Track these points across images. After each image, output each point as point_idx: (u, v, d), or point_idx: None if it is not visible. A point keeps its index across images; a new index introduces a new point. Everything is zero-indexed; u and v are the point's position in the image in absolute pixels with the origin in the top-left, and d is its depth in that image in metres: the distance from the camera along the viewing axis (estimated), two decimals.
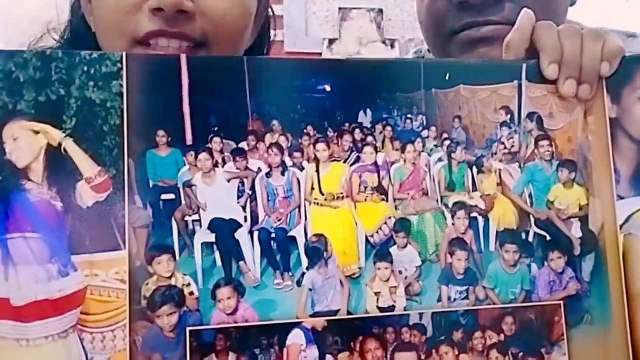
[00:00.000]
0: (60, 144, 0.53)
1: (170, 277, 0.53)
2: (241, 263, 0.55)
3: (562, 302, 0.62)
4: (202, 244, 0.54)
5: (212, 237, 0.55)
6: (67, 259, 0.52)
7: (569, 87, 0.65)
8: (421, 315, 0.59)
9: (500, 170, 0.63)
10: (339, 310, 0.57)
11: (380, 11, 2.94)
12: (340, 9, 2.82)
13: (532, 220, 0.63)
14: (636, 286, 0.63)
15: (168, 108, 0.55)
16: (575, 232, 0.64)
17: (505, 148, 0.63)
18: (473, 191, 0.62)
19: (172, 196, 0.54)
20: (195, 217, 0.55)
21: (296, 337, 0.55)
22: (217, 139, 0.56)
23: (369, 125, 0.60)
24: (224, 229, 0.55)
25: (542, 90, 0.65)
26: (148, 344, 0.52)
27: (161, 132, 0.55)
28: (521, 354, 0.61)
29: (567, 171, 0.65)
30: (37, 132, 0.52)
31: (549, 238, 0.64)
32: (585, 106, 0.66)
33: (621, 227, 0.64)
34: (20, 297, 0.50)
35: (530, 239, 0.63)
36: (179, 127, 0.55)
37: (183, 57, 0.56)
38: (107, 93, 0.54)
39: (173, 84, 0.56)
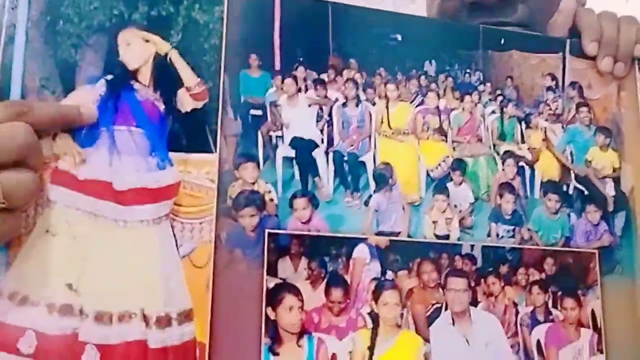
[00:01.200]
0: (166, 54, 0.59)
1: (253, 183, 0.59)
2: (316, 178, 0.61)
3: (596, 251, 0.68)
4: (283, 157, 0.60)
5: (292, 153, 0.60)
6: (165, 154, 0.57)
7: (607, 63, 0.73)
8: (472, 246, 0.64)
9: (545, 127, 0.70)
10: (400, 232, 0.62)
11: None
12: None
13: (572, 175, 0.70)
14: None
15: (261, 36, 0.62)
16: (609, 190, 0.71)
17: (550, 109, 0.71)
18: (521, 143, 0.69)
19: (259, 112, 0.60)
20: (279, 133, 0.61)
21: (362, 251, 0.60)
22: (301, 68, 0.62)
23: (433, 74, 0.67)
24: (303, 146, 0.61)
25: (582, 63, 0.73)
26: (231, 239, 0.57)
27: (254, 56, 0.61)
28: (559, 292, 0.66)
29: (603, 136, 0.72)
30: (147, 41, 0.58)
31: (586, 192, 0.70)
32: (619, 82, 0.74)
33: None
34: (122, 183, 0.55)
35: (570, 191, 0.69)
36: (270, 54, 0.62)
37: None
38: (209, 16, 0.61)
39: (267, 15, 0.63)
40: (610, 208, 0.71)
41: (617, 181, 0.72)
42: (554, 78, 0.73)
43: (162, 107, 0.58)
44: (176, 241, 0.56)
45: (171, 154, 0.58)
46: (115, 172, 0.56)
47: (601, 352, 0.66)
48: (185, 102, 0.59)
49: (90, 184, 0.55)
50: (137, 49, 0.59)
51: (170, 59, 0.59)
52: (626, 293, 0.69)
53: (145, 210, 0.56)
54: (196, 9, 0.61)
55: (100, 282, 0.53)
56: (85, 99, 0.56)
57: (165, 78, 0.59)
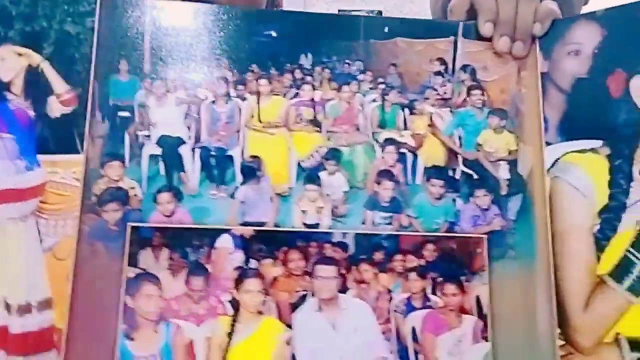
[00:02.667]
0: (38, 65, 0.64)
1: (118, 180, 0.63)
2: (182, 174, 0.64)
3: (485, 236, 0.67)
4: (150, 155, 0.64)
5: (158, 150, 0.64)
6: (34, 157, 0.62)
7: (503, 43, 0.71)
8: (345, 234, 0.65)
9: (431, 113, 0.70)
10: (266, 222, 0.64)
11: (380, 13, 3.03)
12: (339, 10, 2.92)
13: (460, 159, 0.69)
14: (559, 224, 0.68)
15: (132, 42, 0.66)
16: (502, 173, 0.69)
17: (438, 94, 0.70)
18: (404, 130, 0.69)
19: (127, 114, 0.65)
20: (146, 132, 0.65)
21: (225, 241, 0.63)
22: (171, 71, 0.66)
23: (309, 67, 0.69)
24: (169, 143, 0.64)
25: (478, 46, 0.73)
26: (94, 233, 0.62)
27: (124, 61, 0.66)
28: (440, 278, 0.66)
29: (497, 118, 0.70)
30: (20, 55, 0.64)
31: (475, 177, 0.69)
32: (520, 62, 0.72)
33: (548, 170, 0.69)
34: None
35: (457, 176, 0.69)
36: (140, 59, 0.66)
37: (147, 1, 0.67)
38: (81, 27, 0.66)
39: (137, 22, 0.66)
40: (504, 192, 0.70)
41: (512, 164, 0.70)
42: (443, 63, 0.72)
43: (32, 113, 0.64)
44: (40, 236, 0.61)
45: (40, 157, 0.63)
46: None
47: (486, 340, 0.65)
48: (55, 108, 0.64)
49: None
50: (10, 63, 0.65)
51: (41, 70, 0.65)
52: (519, 278, 0.67)
53: (12, 208, 0.61)
54: (68, 22, 0.67)
55: None
56: None
57: (36, 87, 0.65)
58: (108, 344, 0.61)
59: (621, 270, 0.66)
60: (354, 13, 2.89)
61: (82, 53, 0.67)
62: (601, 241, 0.67)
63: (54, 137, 0.64)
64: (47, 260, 0.62)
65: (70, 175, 0.64)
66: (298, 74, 0.70)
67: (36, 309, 0.60)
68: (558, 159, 0.70)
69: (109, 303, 0.61)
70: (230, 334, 0.62)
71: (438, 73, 0.72)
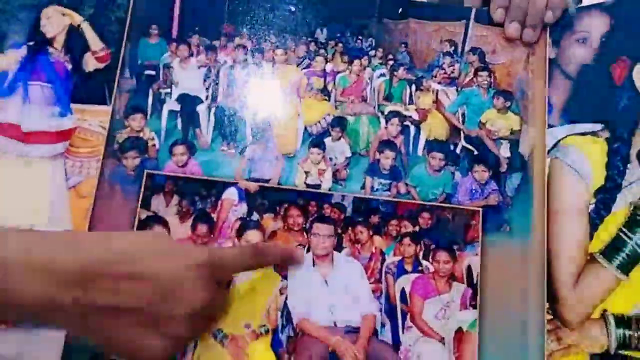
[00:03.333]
0: (79, 25, 0.71)
1: (140, 131, 0.69)
2: (197, 129, 0.70)
3: (480, 209, 0.69)
4: (169, 110, 0.70)
5: (177, 107, 0.70)
6: (67, 105, 0.69)
7: (513, 29, 0.74)
8: (343, 196, 0.69)
9: (437, 90, 0.73)
10: (270, 179, 0.69)
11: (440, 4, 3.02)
12: None
13: (462, 135, 0.72)
14: (556, 203, 0.70)
15: (163, 9, 0.73)
16: (503, 151, 0.72)
17: (445, 73, 0.74)
18: (409, 104, 0.72)
19: (153, 72, 0.71)
20: (168, 90, 0.71)
21: (231, 194, 0.68)
22: (195, 36, 0.72)
23: (323, 41, 0.73)
24: (187, 101, 0.70)
25: (488, 30, 0.76)
26: (113, 176, 0.68)
27: (154, 26, 0.73)
28: (433, 245, 0.69)
29: (502, 99, 0.73)
30: (64, 14, 0.72)
31: (476, 152, 0.72)
32: (529, 48, 0.75)
33: (548, 151, 0.71)
34: (28, 125, 0.68)
35: (458, 150, 0.72)
36: (169, 24, 0.72)
37: None
38: None
39: None
40: (503, 169, 0.72)
41: (514, 143, 0.73)
42: (452, 44, 0.76)
43: (69, 67, 0.71)
44: (66, 175, 0.68)
45: (73, 105, 0.70)
46: (24, 117, 0.69)
47: (474, 307, 0.67)
48: (90, 63, 0.72)
49: (2, 126, 0.68)
50: (55, 21, 0.73)
51: (81, 29, 0.72)
52: (512, 252, 0.69)
53: (44, 148, 0.68)
54: None
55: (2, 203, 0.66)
56: (10, 59, 0.71)
57: (75, 44, 0.72)
58: None
59: (612, 249, 0.67)
60: None
61: (117, 16, 0.74)
62: (595, 220, 0.69)
63: (87, 88, 0.71)
64: (71, 196, 0.68)
65: (98, 123, 0.70)
66: (312, 46, 0.75)
67: None
68: (559, 141, 0.72)
69: None
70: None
71: (447, 53, 0.76)
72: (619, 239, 0.66)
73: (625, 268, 0.66)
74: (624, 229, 0.67)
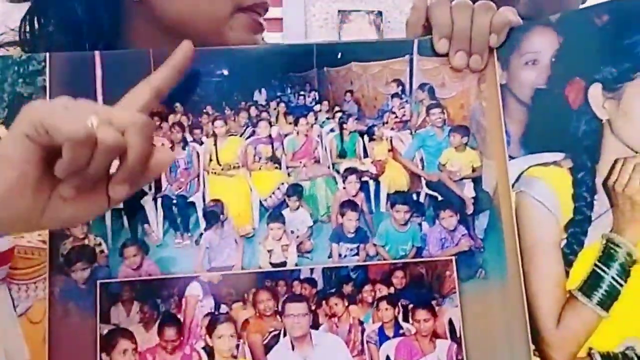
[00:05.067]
0: None
1: (84, 238, 0.64)
2: (146, 225, 0.65)
3: (453, 258, 0.67)
4: (112, 210, 0.65)
5: (120, 204, 0.65)
6: None
7: (459, 59, 0.71)
8: (312, 270, 0.66)
9: (391, 137, 0.70)
10: (233, 266, 0.65)
11: (380, 13, 3.00)
12: (339, 11, 2.90)
13: (423, 182, 0.70)
14: (527, 240, 0.69)
15: (84, 96, 0.66)
16: (467, 192, 0.70)
17: (397, 117, 0.71)
18: (364, 157, 0.70)
19: None
20: None
21: (194, 289, 0.65)
22: None
23: (264, 103, 0.69)
24: (130, 196, 0.65)
25: (434, 62, 0.73)
26: (64, 294, 0.64)
27: None
28: (411, 305, 0.67)
29: (459, 136, 0.71)
30: None
31: (440, 198, 0.70)
32: (479, 75, 0.71)
33: (513, 185, 0.69)
34: None
35: (422, 199, 0.70)
36: None
37: (97, 54, 0.69)
38: (33, 87, 0.67)
39: (88, 77, 0.67)
40: (470, 210, 0.70)
41: (477, 181, 0.71)
42: (400, 84, 0.72)
43: None
44: (13, 302, 0.63)
45: None
46: None
47: None
48: None
49: None
50: None
51: None
52: (492, 297, 0.69)
53: None
54: (20, 83, 0.67)
55: None
56: None
57: None
58: None
59: (590, 285, 0.67)
60: (353, 14, 2.86)
61: None
62: (569, 256, 0.68)
63: None
64: (23, 324, 0.64)
65: (36, 238, 0.65)
66: (253, 111, 0.70)
67: None
68: (522, 173, 0.71)
69: None
70: None
71: (395, 95, 0.73)
72: (595, 274, 0.66)
73: (605, 304, 0.66)
74: (599, 264, 0.66)
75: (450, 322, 0.68)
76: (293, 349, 0.66)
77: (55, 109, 0.54)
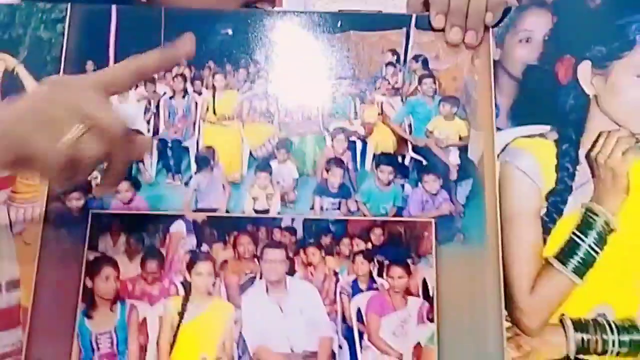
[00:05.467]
0: (14, 68, 0.71)
1: None
2: (140, 164, 0.69)
3: (433, 220, 0.69)
4: None
5: None
6: None
7: (455, 34, 0.74)
8: (293, 219, 0.68)
9: (382, 102, 0.72)
10: (218, 209, 0.68)
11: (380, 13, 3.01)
12: (339, 10, 2.92)
13: (410, 146, 0.71)
14: (508, 208, 0.70)
15: (98, 46, 0.73)
16: (453, 159, 0.72)
17: (389, 84, 0.73)
18: (354, 119, 0.72)
19: None
20: None
21: (178, 226, 0.68)
22: None
23: (263, 62, 0.72)
24: None
25: (430, 36, 0.75)
26: (58, 220, 0.68)
27: (90, 62, 0.72)
28: (387, 261, 0.68)
29: (449, 105, 0.73)
30: None
31: (424, 162, 0.72)
32: (474, 50, 0.74)
33: (498, 155, 0.70)
34: None
35: (407, 162, 0.72)
36: (105, 60, 0.72)
37: (114, 8, 0.74)
38: (52, 32, 0.73)
39: (104, 25, 0.73)
40: (453, 177, 0.72)
41: (463, 149, 0.72)
42: (395, 53, 0.75)
43: None
44: (10, 222, 0.68)
45: None
46: None
47: (431, 321, 0.67)
48: None
49: None
50: None
51: (16, 73, 0.72)
52: (467, 262, 0.69)
53: None
54: (41, 29, 0.73)
55: None
56: None
57: (12, 88, 0.72)
58: (69, 321, 0.66)
59: (567, 252, 0.67)
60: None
61: (53, 56, 0.74)
62: (548, 224, 0.68)
63: None
64: (17, 244, 0.68)
65: None
66: (252, 68, 0.74)
67: (5, 289, 0.67)
68: (508, 144, 0.72)
69: (70, 284, 0.67)
70: (181, 314, 0.67)
71: (390, 63, 0.75)
72: (573, 242, 0.66)
73: (580, 271, 0.65)
74: (576, 232, 0.66)
75: (424, 282, 0.69)
76: (267, 292, 0.68)
77: (31, 136, 0.53)
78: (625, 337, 0.63)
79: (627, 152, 0.65)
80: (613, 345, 0.63)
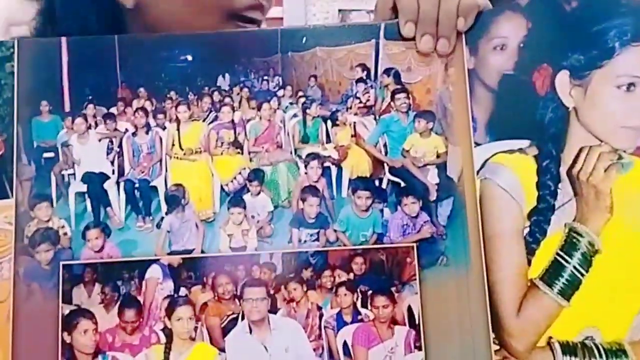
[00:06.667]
0: None
1: (48, 221, 0.66)
2: (108, 209, 0.66)
3: (414, 244, 0.67)
4: (76, 193, 0.67)
5: (84, 188, 0.67)
6: None
7: (426, 42, 0.70)
8: (272, 254, 0.66)
9: (354, 122, 0.69)
10: (193, 250, 0.66)
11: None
12: (339, 10, 2.86)
13: (386, 167, 0.69)
14: (490, 228, 0.68)
15: (51, 82, 0.69)
16: (431, 178, 0.69)
17: (361, 102, 0.70)
18: (327, 143, 0.69)
19: (52, 154, 0.68)
20: (71, 171, 0.67)
21: (154, 272, 0.66)
22: (90, 106, 0.68)
23: (227, 88, 0.69)
24: (94, 180, 0.67)
25: (400, 47, 0.72)
26: (28, 274, 0.66)
27: (44, 102, 0.68)
28: (370, 291, 0.67)
29: (424, 121, 0.70)
30: None
31: (403, 184, 0.69)
32: (446, 59, 0.70)
33: (478, 172, 0.68)
34: None
35: (384, 185, 0.69)
36: (59, 98, 0.68)
37: (63, 40, 0.69)
38: (2, 72, 0.68)
39: (55, 61, 0.68)
40: (433, 197, 0.70)
41: (441, 167, 0.70)
42: (365, 68, 0.72)
43: None
44: None
45: None
46: None
47: (419, 349, 0.66)
48: None
49: None
50: None
51: None
52: (452, 285, 0.68)
53: None
54: None
55: None
56: None
57: None
58: None
59: (552, 274, 0.66)
60: (354, 13, 2.81)
61: (4, 98, 0.69)
62: (531, 244, 0.67)
63: None
64: None
65: (3, 219, 0.67)
66: (216, 96, 0.71)
67: None
68: (487, 159, 0.69)
69: (48, 340, 0.66)
70: None
71: (360, 80, 0.72)
72: (557, 263, 0.65)
73: (567, 293, 0.65)
74: (561, 253, 0.65)
75: (410, 309, 0.68)
76: (251, 332, 0.67)
77: None
78: None
79: (610, 169, 0.63)
80: None
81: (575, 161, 0.65)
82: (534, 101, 0.68)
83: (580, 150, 0.65)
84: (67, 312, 0.67)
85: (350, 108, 0.72)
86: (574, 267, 0.64)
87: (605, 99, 0.64)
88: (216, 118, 0.71)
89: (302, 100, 0.72)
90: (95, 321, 0.67)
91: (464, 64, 0.72)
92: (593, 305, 0.64)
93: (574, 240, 0.65)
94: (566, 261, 0.65)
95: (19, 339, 0.66)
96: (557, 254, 0.65)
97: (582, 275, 0.64)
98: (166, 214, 0.69)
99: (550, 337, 0.66)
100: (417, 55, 0.73)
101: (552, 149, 0.66)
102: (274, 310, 0.68)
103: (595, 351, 0.63)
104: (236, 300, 0.68)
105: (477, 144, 0.70)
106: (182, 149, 0.71)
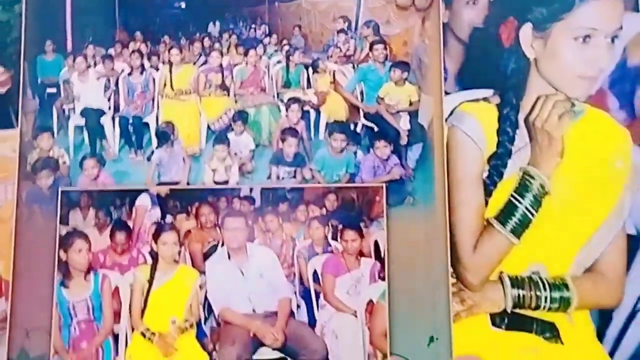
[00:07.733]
0: None
1: (49, 150, 0.72)
2: (104, 141, 0.72)
3: (384, 185, 0.72)
4: (75, 126, 0.73)
5: (82, 121, 0.72)
6: None
7: None
8: (251, 189, 0.72)
9: (334, 70, 0.74)
10: (180, 182, 0.72)
11: None
12: None
13: (362, 113, 0.73)
14: (455, 171, 0.72)
15: (55, 24, 0.74)
16: (403, 124, 0.74)
17: (341, 51, 0.74)
18: (307, 88, 0.74)
19: (54, 90, 0.73)
20: (71, 105, 0.73)
21: (143, 200, 0.72)
22: (90, 47, 0.74)
23: (217, 34, 0.74)
24: (91, 115, 0.73)
25: (381, 1, 0.75)
26: (30, 198, 0.71)
27: (49, 42, 0.74)
28: (340, 226, 0.72)
29: (399, 71, 0.74)
30: None
31: (376, 129, 0.74)
32: (423, 13, 0.74)
33: (446, 119, 0.72)
34: None
35: (359, 129, 0.74)
36: (63, 38, 0.73)
37: None
38: (10, 14, 0.73)
39: (59, 4, 0.73)
40: (404, 141, 0.74)
41: (413, 114, 0.75)
42: (346, 20, 0.76)
43: None
44: None
45: None
46: None
47: (383, 279, 0.71)
48: None
49: None
50: None
51: None
52: (417, 223, 0.73)
53: None
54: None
55: None
56: None
57: None
58: (47, 291, 0.71)
59: (506, 214, 0.70)
60: None
61: (12, 38, 0.75)
62: (489, 186, 0.72)
63: None
64: None
65: (8, 147, 0.73)
66: (207, 42, 0.76)
67: None
68: (455, 108, 0.74)
69: (46, 257, 0.72)
70: (150, 281, 0.72)
71: (341, 31, 0.77)
72: (511, 203, 0.70)
73: (518, 232, 0.69)
74: (514, 194, 0.70)
75: (376, 243, 0.73)
76: (229, 258, 0.73)
77: None
78: (556, 294, 0.67)
79: (563, 117, 0.67)
80: (545, 301, 0.67)
81: (532, 109, 0.70)
82: (499, 53, 0.72)
83: (538, 98, 0.69)
84: (64, 232, 0.74)
85: (331, 57, 0.77)
86: (526, 208, 0.69)
87: (563, 50, 0.68)
88: (206, 62, 0.77)
89: (286, 48, 0.77)
90: (89, 242, 0.74)
91: (440, 18, 0.76)
92: (540, 243, 0.69)
93: (527, 182, 0.69)
94: (519, 202, 0.70)
95: (20, 255, 0.73)
96: (512, 195, 0.70)
97: (532, 215, 0.69)
98: (156, 148, 0.75)
99: (501, 272, 0.71)
100: (397, 9, 0.77)
101: (512, 98, 0.71)
102: (251, 239, 0.74)
103: (541, 285, 0.68)
104: (217, 228, 0.74)
105: (447, 93, 0.75)
106: (173, 90, 0.76)
